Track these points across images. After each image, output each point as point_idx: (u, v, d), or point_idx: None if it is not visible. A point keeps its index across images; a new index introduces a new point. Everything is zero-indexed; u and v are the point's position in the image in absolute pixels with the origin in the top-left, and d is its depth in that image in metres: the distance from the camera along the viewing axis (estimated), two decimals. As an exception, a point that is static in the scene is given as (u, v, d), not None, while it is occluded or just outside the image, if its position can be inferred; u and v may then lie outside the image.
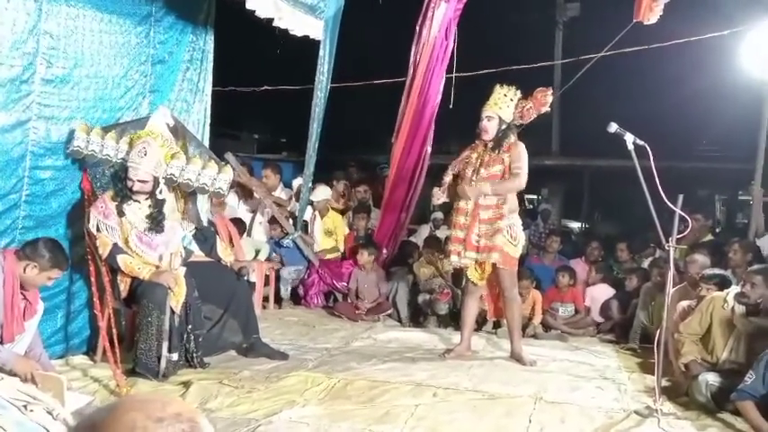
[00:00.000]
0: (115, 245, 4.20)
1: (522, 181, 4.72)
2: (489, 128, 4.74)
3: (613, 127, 3.98)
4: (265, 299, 6.62)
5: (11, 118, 4.02)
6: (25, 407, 1.89)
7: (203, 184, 4.35)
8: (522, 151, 4.73)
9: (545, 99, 4.77)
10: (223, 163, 4.58)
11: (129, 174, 4.19)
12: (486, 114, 4.75)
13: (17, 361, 3.43)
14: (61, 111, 4.32)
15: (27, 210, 4.15)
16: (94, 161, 4.38)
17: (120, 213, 4.20)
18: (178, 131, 4.52)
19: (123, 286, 4.29)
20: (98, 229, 4.20)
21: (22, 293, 3.58)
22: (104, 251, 4.20)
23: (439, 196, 4.90)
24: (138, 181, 4.18)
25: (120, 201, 4.22)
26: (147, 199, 4.25)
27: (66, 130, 4.34)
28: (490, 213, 4.71)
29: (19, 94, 4.05)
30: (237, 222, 6.70)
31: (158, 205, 4.27)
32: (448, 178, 4.91)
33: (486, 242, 4.70)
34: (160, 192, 4.28)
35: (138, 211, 4.26)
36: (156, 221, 4.25)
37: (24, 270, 3.54)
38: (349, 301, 6.63)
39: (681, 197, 3.85)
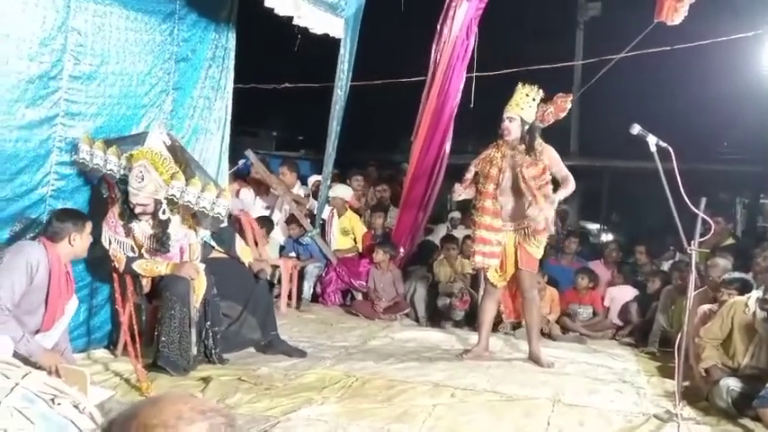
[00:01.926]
0: (128, 257, 4.24)
1: (572, 179, 4.72)
2: (512, 129, 4.73)
3: (636, 129, 3.95)
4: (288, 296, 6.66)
5: (39, 114, 4.08)
6: (53, 400, 1.91)
7: (203, 208, 4.17)
8: (556, 154, 4.78)
9: (565, 105, 4.81)
10: (220, 187, 4.45)
11: (129, 197, 4.15)
12: (507, 115, 4.74)
13: (43, 354, 3.52)
14: (88, 107, 4.37)
15: (53, 204, 4.20)
16: (100, 175, 4.32)
17: (128, 231, 4.22)
18: (176, 150, 4.41)
19: (145, 281, 4.35)
20: (110, 243, 4.23)
21: (65, 270, 3.71)
22: (120, 265, 4.25)
23: (460, 192, 4.90)
24: (138, 204, 4.15)
25: (127, 220, 4.21)
26: (150, 220, 4.23)
27: (92, 126, 4.39)
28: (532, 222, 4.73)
29: (47, 90, 4.11)
30: (264, 221, 6.73)
31: (162, 225, 4.22)
32: (470, 175, 4.91)
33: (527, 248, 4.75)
34: (163, 212, 4.19)
35: (143, 231, 4.25)
36: (160, 242, 4.23)
37: (71, 243, 3.69)
38: (368, 299, 6.64)
39: (704, 200, 3.82)
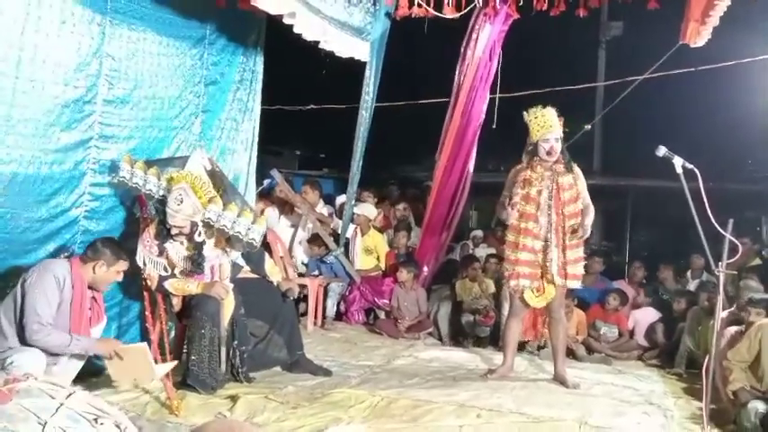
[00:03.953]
0: (161, 276, 4.33)
1: (593, 209, 4.78)
2: (557, 148, 4.73)
3: (662, 150, 3.96)
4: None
5: (74, 137, 4.21)
6: (95, 420, 1.98)
7: (238, 233, 4.25)
8: (582, 177, 4.82)
9: None
10: (257, 213, 4.54)
11: (167, 218, 4.24)
12: (554, 136, 4.70)
13: (98, 344, 3.72)
14: (121, 130, 4.50)
15: (86, 225, 4.32)
16: (137, 194, 4.46)
17: (162, 251, 4.31)
18: (215, 175, 4.52)
19: (176, 300, 4.43)
20: (144, 263, 4.32)
21: (92, 296, 3.81)
22: (153, 284, 4.35)
23: (511, 214, 4.77)
24: (175, 226, 4.24)
25: (162, 240, 4.30)
26: (185, 241, 4.32)
27: (125, 148, 4.51)
28: (574, 241, 4.75)
29: (82, 114, 4.24)
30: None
31: (197, 248, 4.31)
32: (517, 198, 4.78)
33: (570, 270, 4.75)
34: (199, 234, 4.28)
35: (178, 252, 4.34)
36: (195, 264, 4.31)
37: (94, 270, 3.77)
38: (391, 317, 6.67)
39: (731, 222, 3.82)
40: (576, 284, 4.85)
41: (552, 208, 4.71)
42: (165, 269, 4.32)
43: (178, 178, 4.26)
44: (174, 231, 4.25)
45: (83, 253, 3.88)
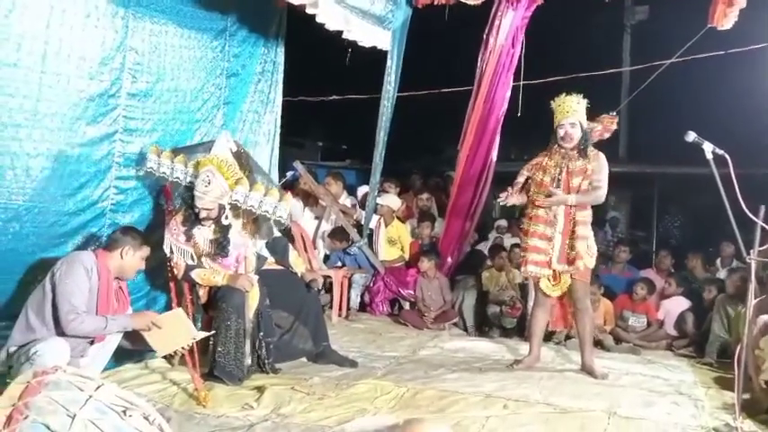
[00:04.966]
0: (188, 265, 4.36)
1: (602, 194, 4.68)
2: (574, 135, 4.68)
3: (691, 136, 3.88)
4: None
5: (99, 131, 4.24)
6: (124, 412, 1.98)
7: (265, 212, 4.35)
8: (603, 163, 4.70)
9: (611, 126, 4.85)
10: (283, 191, 4.58)
11: (195, 202, 4.29)
12: (569, 122, 4.68)
13: (133, 319, 3.79)
14: (144, 123, 4.53)
15: (112, 218, 4.36)
16: (165, 182, 4.53)
17: (189, 237, 4.34)
18: (241, 156, 4.57)
19: (202, 292, 4.45)
20: (171, 251, 4.36)
21: (118, 287, 3.87)
22: (179, 272, 4.39)
23: (507, 196, 4.84)
24: (203, 209, 4.28)
25: (190, 226, 4.34)
26: (212, 225, 4.36)
27: (149, 141, 4.54)
28: (585, 230, 4.68)
29: (107, 107, 4.27)
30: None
31: (223, 230, 4.35)
32: (522, 178, 4.89)
33: (572, 252, 4.68)
34: (225, 217, 4.34)
35: (205, 236, 4.37)
36: (221, 247, 4.35)
37: (122, 256, 3.82)
38: (416, 308, 6.65)
39: (763, 208, 3.73)
40: (579, 267, 4.67)
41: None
42: (192, 258, 4.36)
43: (204, 162, 4.32)
44: (202, 215, 4.29)
45: (106, 245, 3.93)
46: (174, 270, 4.40)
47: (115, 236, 3.90)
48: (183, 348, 4.02)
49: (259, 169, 4.71)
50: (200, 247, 4.36)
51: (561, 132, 4.69)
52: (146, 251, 3.95)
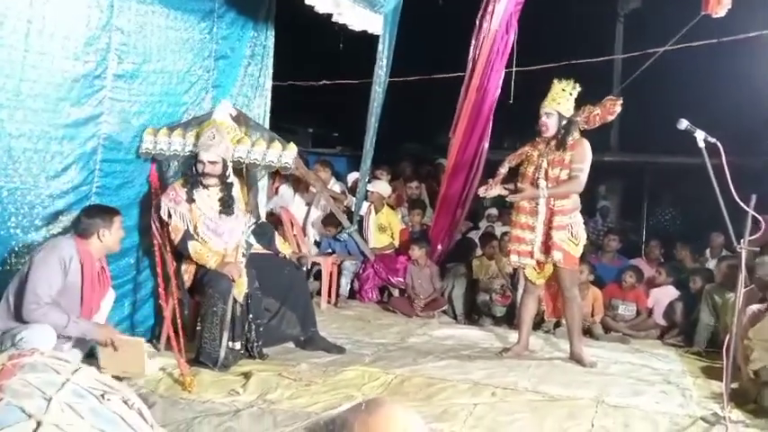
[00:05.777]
0: (186, 231, 4.31)
1: (580, 183, 4.63)
2: (549, 124, 4.66)
3: (684, 124, 3.85)
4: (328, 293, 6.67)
5: (84, 112, 4.16)
6: (102, 396, 1.93)
7: (270, 162, 4.53)
8: (584, 151, 4.64)
9: (614, 109, 4.68)
10: (287, 142, 4.69)
11: (199, 156, 4.30)
12: (545, 111, 4.68)
13: (97, 329, 3.64)
14: (131, 105, 4.45)
15: (97, 201, 4.27)
16: (163, 158, 4.55)
17: (191, 200, 4.32)
18: (240, 120, 4.71)
19: (187, 276, 4.40)
20: (169, 215, 4.32)
21: (100, 266, 3.79)
22: (176, 236, 4.32)
23: (489, 187, 4.84)
24: (209, 162, 4.29)
25: (191, 187, 4.33)
26: (216, 185, 4.36)
27: (136, 124, 4.46)
28: (563, 219, 4.64)
29: (92, 89, 4.18)
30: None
31: (228, 189, 4.40)
32: (504, 169, 4.89)
33: (548, 242, 4.64)
34: (229, 176, 4.41)
35: (207, 198, 4.36)
36: (227, 204, 4.37)
37: (100, 239, 3.72)
38: (406, 296, 6.63)
39: (754, 197, 3.70)
40: (555, 257, 4.63)
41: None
42: (190, 222, 4.33)
43: (207, 124, 4.45)
44: (207, 169, 4.30)
45: (76, 232, 3.75)
46: (171, 234, 4.33)
47: (84, 222, 3.73)
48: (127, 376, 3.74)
49: (258, 126, 4.86)
50: (198, 213, 4.32)
51: (539, 122, 4.69)
52: (118, 221, 3.82)
